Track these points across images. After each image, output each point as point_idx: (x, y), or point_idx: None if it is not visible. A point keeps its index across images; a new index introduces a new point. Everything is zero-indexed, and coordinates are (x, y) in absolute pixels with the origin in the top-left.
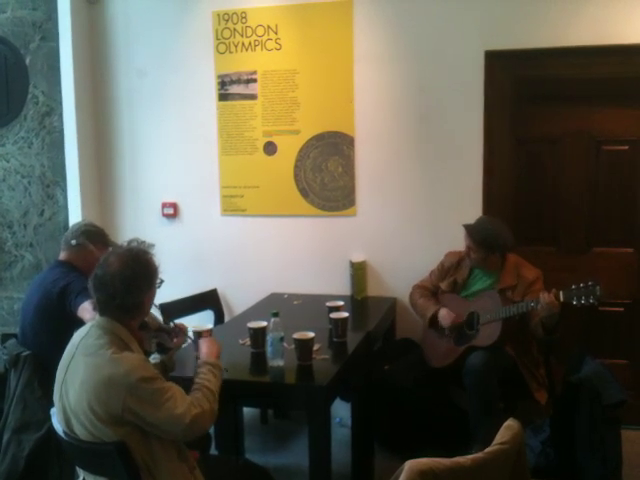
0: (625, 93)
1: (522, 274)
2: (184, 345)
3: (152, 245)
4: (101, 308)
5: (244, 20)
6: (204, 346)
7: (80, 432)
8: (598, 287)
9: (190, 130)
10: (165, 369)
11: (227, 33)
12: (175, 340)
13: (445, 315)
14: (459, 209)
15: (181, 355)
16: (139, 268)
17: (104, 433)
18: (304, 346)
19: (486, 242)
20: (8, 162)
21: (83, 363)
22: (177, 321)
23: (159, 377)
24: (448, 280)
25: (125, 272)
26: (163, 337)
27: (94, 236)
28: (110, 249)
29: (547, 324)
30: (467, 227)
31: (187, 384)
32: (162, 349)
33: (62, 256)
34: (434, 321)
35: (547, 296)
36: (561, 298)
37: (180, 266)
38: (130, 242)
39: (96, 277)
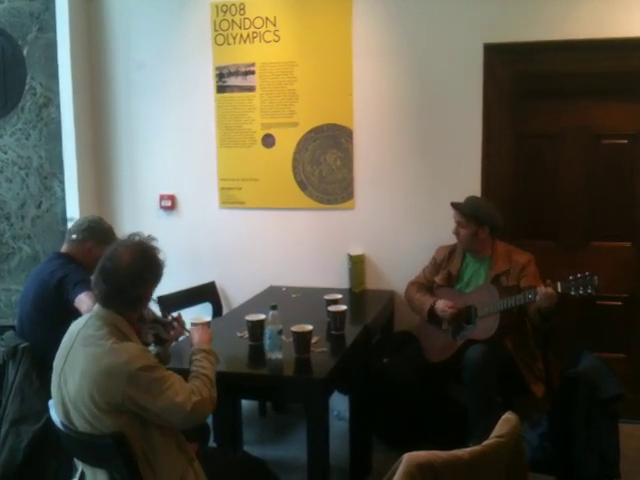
0: (625, 87)
1: (514, 258)
2: (181, 337)
3: (155, 239)
4: (106, 300)
5: (242, 12)
6: (196, 334)
7: (79, 423)
8: (595, 277)
9: (188, 122)
10: (160, 361)
11: (225, 25)
12: (172, 332)
13: (444, 307)
14: None
15: (178, 347)
16: (149, 262)
17: (104, 423)
18: (302, 339)
19: (474, 213)
20: (5, 154)
21: (83, 354)
22: (175, 313)
23: (159, 366)
24: (442, 273)
25: (136, 265)
26: (159, 329)
27: (97, 234)
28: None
29: (544, 312)
30: (455, 203)
31: (183, 375)
32: (158, 341)
33: (63, 248)
34: (433, 314)
35: (545, 288)
36: (559, 289)
37: (178, 259)
38: (132, 236)
39: (104, 269)
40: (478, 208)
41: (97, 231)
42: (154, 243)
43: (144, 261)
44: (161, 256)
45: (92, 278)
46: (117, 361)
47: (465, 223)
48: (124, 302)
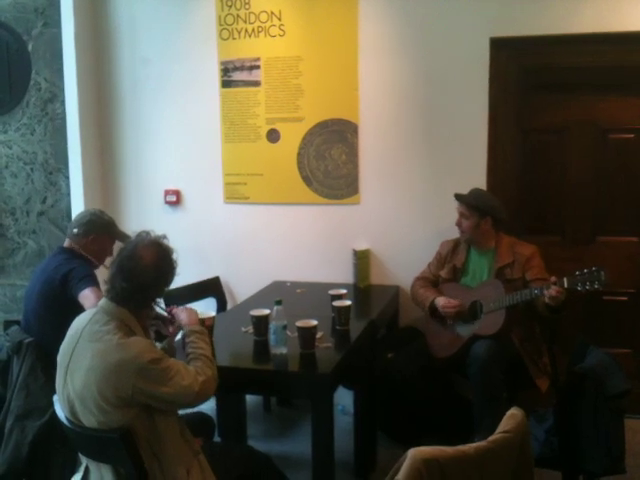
0: (632, 81)
1: (518, 251)
2: (181, 333)
3: (167, 237)
4: (123, 298)
5: (247, 6)
6: (183, 315)
7: (85, 418)
8: (603, 272)
9: (193, 117)
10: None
11: (230, 19)
12: (171, 328)
13: (445, 304)
14: None
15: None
16: (170, 263)
17: (112, 417)
18: (307, 334)
19: (477, 204)
20: (10, 149)
21: (90, 349)
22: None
23: (164, 356)
24: (447, 267)
25: (160, 265)
26: (159, 325)
27: (98, 227)
28: (116, 241)
29: (553, 305)
30: (458, 194)
31: None
32: (160, 337)
33: (66, 243)
34: (434, 309)
35: (551, 287)
36: (565, 284)
37: (183, 254)
38: (145, 234)
39: (124, 267)
40: (480, 199)
41: (98, 224)
42: (168, 242)
43: (166, 262)
44: (175, 256)
45: (108, 275)
46: (126, 356)
47: (468, 214)
48: (141, 300)
